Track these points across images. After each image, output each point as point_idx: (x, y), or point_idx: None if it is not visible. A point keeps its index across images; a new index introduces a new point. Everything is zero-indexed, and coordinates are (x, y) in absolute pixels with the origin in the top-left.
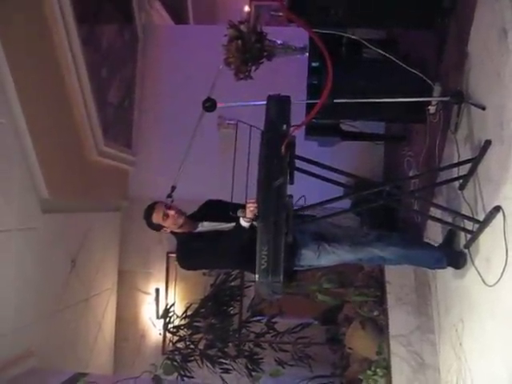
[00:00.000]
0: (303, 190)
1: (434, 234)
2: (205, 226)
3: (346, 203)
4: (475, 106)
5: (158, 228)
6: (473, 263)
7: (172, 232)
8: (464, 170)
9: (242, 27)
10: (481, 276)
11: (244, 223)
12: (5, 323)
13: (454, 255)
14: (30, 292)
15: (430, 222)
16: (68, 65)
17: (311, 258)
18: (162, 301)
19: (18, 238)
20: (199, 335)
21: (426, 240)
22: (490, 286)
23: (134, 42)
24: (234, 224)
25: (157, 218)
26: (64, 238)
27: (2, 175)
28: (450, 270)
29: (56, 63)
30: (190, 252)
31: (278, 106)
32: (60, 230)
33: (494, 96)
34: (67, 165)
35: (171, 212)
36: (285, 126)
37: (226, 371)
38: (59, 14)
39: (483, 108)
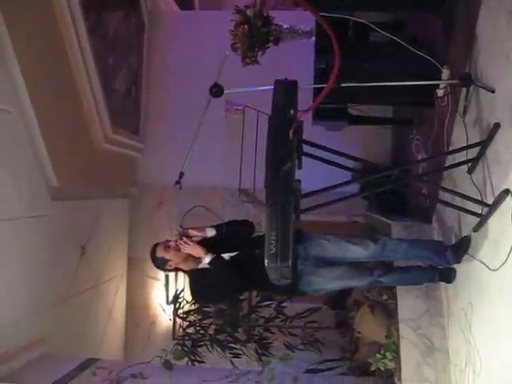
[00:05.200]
0: (311, 175)
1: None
2: (206, 258)
3: (354, 188)
4: (484, 88)
5: (163, 263)
6: (480, 247)
7: (183, 270)
8: (473, 153)
9: (248, 12)
10: (484, 262)
11: (207, 259)
12: (16, 310)
13: (444, 271)
14: (40, 279)
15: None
16: (75, 53)
17: (318, 283)
18: (171, 287)
19: (27, 226)
20: (209, 320)
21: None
22: (495, 271)
23: (140, 29)
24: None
25: (160, 252)
26: (73, 226)
27: (11, 164)
28: None
29: (63, 52)
30: (203, 289)
31: (285, 91)
32: (69, 217)
33: (503, 79)
34: (75, 152)
35: (171, 243)
36: (292, 111)
37: (236, 356)
38: (65, 2)
39: (492, 91)
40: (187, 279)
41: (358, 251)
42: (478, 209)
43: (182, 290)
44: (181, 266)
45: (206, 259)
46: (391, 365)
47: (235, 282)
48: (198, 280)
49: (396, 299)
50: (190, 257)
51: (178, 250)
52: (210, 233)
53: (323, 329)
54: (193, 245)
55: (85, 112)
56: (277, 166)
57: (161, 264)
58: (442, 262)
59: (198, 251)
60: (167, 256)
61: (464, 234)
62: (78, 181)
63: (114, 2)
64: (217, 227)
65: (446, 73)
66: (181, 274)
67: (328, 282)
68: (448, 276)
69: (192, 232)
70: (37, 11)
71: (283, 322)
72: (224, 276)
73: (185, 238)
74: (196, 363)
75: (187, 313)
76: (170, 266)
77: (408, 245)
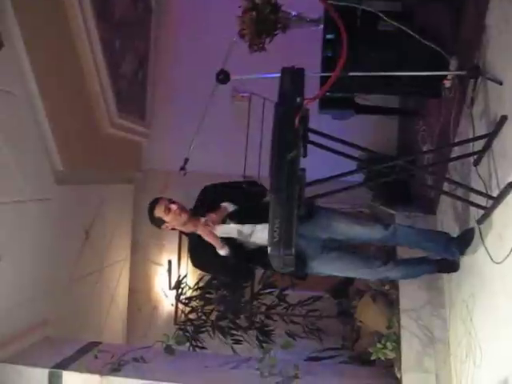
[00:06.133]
0: (316, 164)
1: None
2: (224, 252)
3: (358, 177)
4: (492, 80)
5: (159, 223)
6: (484, 239)
7: (182, 232)
8: (479, 145)
9: None
10: (489, 254)
11: (221, 252)
12: (19, 293)
13: (442, 263)
14: (44, 262)
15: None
16: (82, 37)
17: (320, 269)
18: (174, 272)
19: (32, 209)
20: (211, 306)
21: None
22: (499, 263)
23: (148, 14)
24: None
25: (159, 211)
26: (78, 210)
27: (16, 147)
28: None
29: (70, 35)
30: (203, 257)
31: (292, 79)
32: (74, 201)
33: (511, 71)
34: (81, 137)
35: (173, 206)
36: (298, 99)
37: (238, 342)
38: None
39: (500, 83)
40: (190, 264)
41: (367, 234)
42: (482, 201)
43: (185, 276)
44: (179, 228)
45: (222, 252)
46: (391, 355)
47: (238, 264)
48: (197, 246)
49: (398, 289)
50: (189, 222)
51: (179, 214)
52: (230, 208)
53: (325, 317)
54: (214, 237)
55: (91, 96)
56: (282, 153)
57: (158, 223)
58: (447, 253)
59: (216, 242)
60: (166, 218)
61: (468, 226)
62: (83, 165)
63: None
64: (233, 199)
65: (453, 64)
66: (183, 262)
67: (332, 270)
68: (450, 266)
69: (216, 217)
70: None
71: (285, 310)
72: (227, 260)
73: (209, 228)
74: (197, 349)
75: (189, 298)
76: (166, 227)
77: (416, 234)
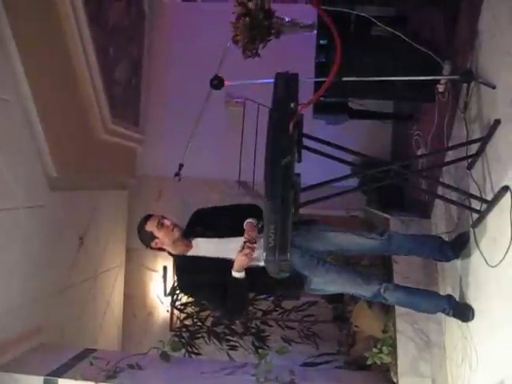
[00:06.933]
0: (311, 169)
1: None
2: (200, 245)
3: (353, 182)
4: (485, 84)
5: (149, 238)
6: (479, 243)
7: (169, 253)
8: (472, 149)
9: (250, 4)
10: (484, 257)
11: (237, 275)
12: (12, 299)
13: (460, 308)
14: (38, 269)
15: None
16: (75, 43)
17: (320, 283)
18: (169, 278)
19: (26, 216)
20: (206, 312)
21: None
22: (494, 267)
23: (141, 20)
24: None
25: (151, 225)
26: (72, 216)
27: (10, 153)
28: None
29: (63, 42)
30: (191, 280)
31: (286, 84)
32: (68, 207)
33: (504, 75)
34: (75, 143)
35: (167, 221)
36: (293, 104)
37: (233, 348)
38: None
39: (493, 87)
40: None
41: (363, 243)
42: (477, 205)
43: None
44: (167, 248)
45: (237, 275)
46: (387, 359)
47: (232, 290)
48: (184, 268)
49: None
50: (179, 241)
51: (172, 230)
52: (254, 221)
53: (320, 322)
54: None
55: (85, 102)
56: (276, 159)
57: (147, 239)
58: (442, 257)
59: (244, 263)
60: (157, 233)
61: (463, 229)
62: (77, 171)
63: None
64: (228, 221)
65: (447, 68)
66: None
67: (325, 284)
68: (464, 315)
69: (254, 233)
70: (37, 1)
71: (280, 315)
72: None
73: (250, 247)
74: (193, 355)
75: (185, 304)
76: (156, 244)
77: (410, 240)
